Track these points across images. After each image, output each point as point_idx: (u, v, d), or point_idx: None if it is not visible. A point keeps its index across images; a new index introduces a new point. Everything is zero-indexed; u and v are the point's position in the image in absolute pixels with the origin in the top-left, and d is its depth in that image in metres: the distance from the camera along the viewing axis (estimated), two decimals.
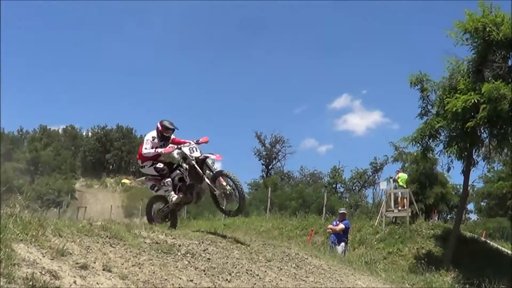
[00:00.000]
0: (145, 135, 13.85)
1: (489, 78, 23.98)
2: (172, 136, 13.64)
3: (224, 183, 12.45)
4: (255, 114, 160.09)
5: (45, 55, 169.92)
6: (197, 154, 12.90)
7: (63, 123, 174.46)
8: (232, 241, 12.02)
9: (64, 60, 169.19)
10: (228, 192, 12.27)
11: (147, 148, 13.17)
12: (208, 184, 12.66)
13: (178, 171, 13.28)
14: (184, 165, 13.17)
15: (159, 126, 13.22)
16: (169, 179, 13.11)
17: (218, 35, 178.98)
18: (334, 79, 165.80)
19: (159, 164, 13.29)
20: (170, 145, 13.39)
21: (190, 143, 13.18)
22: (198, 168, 12.70)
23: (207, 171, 13.05)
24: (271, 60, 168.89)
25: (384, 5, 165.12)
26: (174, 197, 13.00)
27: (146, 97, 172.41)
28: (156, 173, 13.32)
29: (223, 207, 13.08)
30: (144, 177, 13.94)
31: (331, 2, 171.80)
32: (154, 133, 13.36)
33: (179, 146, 13.10)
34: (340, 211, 22.83)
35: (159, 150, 13.05)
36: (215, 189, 12.57)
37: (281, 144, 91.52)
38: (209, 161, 13.07)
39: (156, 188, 13.52)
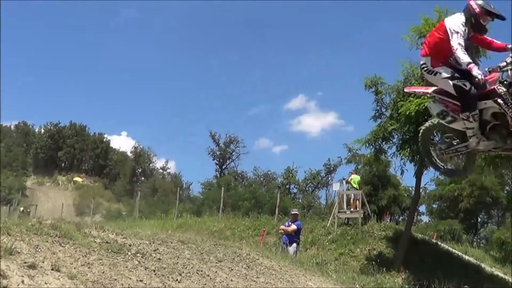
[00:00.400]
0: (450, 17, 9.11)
1: None
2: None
3: None
4: (211, 113, 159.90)
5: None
6: None
7: (15, 119, 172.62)
8: (183, 241, 11.99)
9: (17, 55, 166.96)
10: None
11: (462, 47, 8.58)
12: None
13: (492, 103, 8.63)
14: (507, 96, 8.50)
15: (474, 7, 8.77)
16: (476, 111, 8.75)
17: (171, 33, 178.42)
18: (291, 80, 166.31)
19: (465, 83, 8.71)
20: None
21: None
22: None
23: None
24: (227, 59, 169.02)
25: (343, 7, 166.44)
26: (481, 143, 9.14)
27: (100, 94, 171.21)
28: (453, 94, 8.97)
29: None
30: (432, 89, 9.45)
31: (287, 2, 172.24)
32: (462, 18, 8.86)
33: (503, 68, 8.57)
34: (292, 212, 22.77)
35: (475, 71, 8.35)
36: None
37: (235, 144, 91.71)
38: None
39: (448, 119, 9.41)
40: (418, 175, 27.09)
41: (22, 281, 5.71)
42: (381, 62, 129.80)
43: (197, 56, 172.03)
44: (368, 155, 37.00)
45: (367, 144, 26.29)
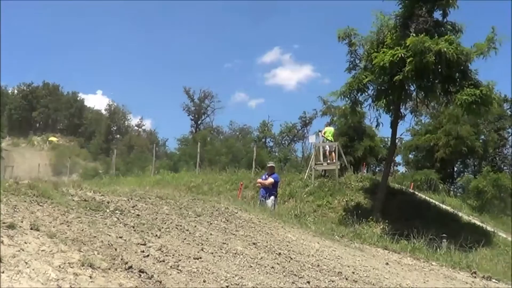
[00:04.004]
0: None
1: (415, 33, 24.35)
2: None
3: None
4: (185, 69, 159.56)
5: None
6: None
7: None
8: (161, 197, 11.99)
9: None
10: None
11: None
12: None
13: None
14: None
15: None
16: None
17: None
18: (265, 33, 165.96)
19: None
20: None
21: None
22: None
23: None
24: (200, 14, 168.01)
25: None
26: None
27: (73, 54, 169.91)
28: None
29: None
30: None
31: None
32: None
33: None
34: (269, 165, 22.56)
35: None
36: None
37: (210, 99, 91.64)
38: None
39: None
40: (394, 126, 27.20)
41: (2, 242, 5.68)
42: (357, 13, 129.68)
43: (171, 11, 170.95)
44: (343, 107, 37.11)
45: (342, 96, 26.34)
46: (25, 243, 6.01)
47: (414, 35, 23.66)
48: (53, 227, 7.06)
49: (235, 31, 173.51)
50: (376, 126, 28.86)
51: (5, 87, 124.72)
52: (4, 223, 6.38)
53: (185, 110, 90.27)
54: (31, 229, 6.57)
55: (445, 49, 22.55)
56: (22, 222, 6.74)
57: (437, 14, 25.72)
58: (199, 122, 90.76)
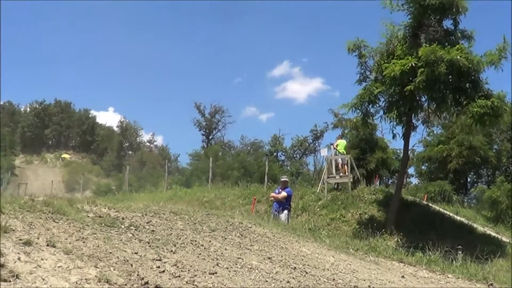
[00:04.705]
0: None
1: (426, 43, 24.28)
2: None
3: None
4: (195, 84, 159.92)
5: None
6: None
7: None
8: (175, 212, 12.00)
9: None
10: None
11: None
12: None
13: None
14: None
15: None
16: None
17: (154, 6, 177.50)
18: (274, 47, 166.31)
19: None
20: None
21: None
22: None
23: None
24: (209, 29, 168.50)
25: None
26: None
27: (85, 71, 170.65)
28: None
29: None
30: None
31: None
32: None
33: None
34: (282, 179, 22.49)
35: None
36: None
37: (220, 114, 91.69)
38: None
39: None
40: (406, 137, 27.09)
41: (19, 258, 5.71)
42: (366, 25, 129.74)
43: (181, 27, 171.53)
44: (355, 119, 37.02)
45: (353, 108, 26.25)
46: (42, 259, 6.03)
47: (427, 45, 23.61)
48: (69, 243, 7.08)
49: (245, 45, 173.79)
50: (393, 137, 28.63)
51: (18, 105, 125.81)
52: (20, 240, 6.41)
53: (196, 125, 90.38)
54: (47, 245, 6.59)
55: (458, 57, 22.54)
56: (38, 238, 6.77)
57: (447, 23, 25.72)
58: (210, 137, 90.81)
